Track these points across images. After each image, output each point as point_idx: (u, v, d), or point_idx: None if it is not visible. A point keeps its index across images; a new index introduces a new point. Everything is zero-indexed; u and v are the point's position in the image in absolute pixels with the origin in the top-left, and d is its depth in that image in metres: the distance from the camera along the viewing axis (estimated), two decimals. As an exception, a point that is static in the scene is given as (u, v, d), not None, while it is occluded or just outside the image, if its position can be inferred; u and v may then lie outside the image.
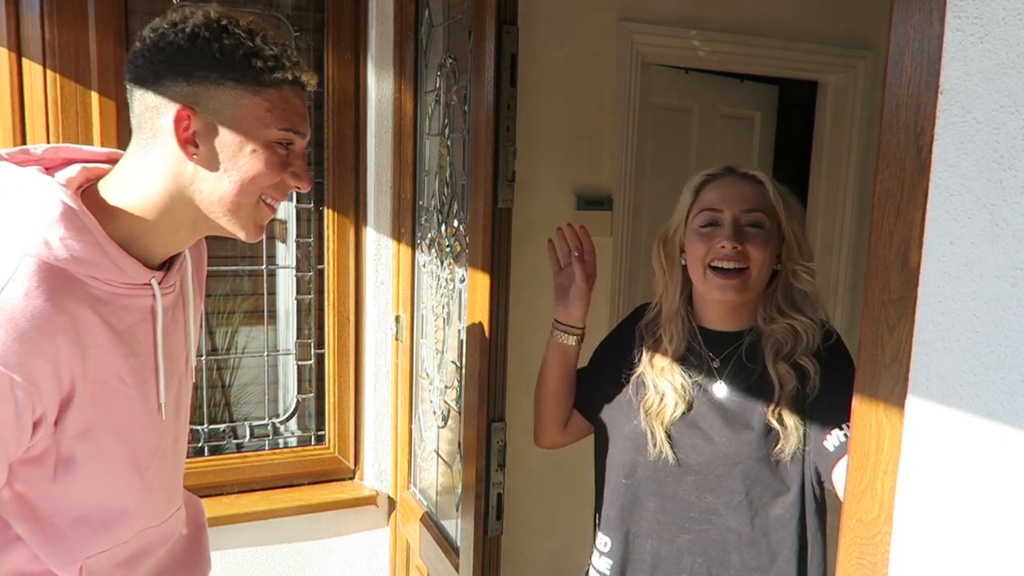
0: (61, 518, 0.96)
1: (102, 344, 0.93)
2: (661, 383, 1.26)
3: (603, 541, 1.34)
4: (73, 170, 0.97)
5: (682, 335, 1.28)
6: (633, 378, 1.33)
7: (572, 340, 1.38)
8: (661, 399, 1.26)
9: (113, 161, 1.02)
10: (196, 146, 0.94)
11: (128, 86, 0.97)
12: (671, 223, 1.33)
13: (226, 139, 0.95)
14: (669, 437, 1.25)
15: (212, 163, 0.95)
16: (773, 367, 1.21)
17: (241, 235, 1.01)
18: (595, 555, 1.36)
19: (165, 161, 0.95)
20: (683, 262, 1.30)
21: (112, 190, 0.97)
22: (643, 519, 1.29)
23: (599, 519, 1.38)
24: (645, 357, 1.32)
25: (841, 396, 1.10)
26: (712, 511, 1.22)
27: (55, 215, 0.88)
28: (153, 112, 0.95)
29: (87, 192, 0.97)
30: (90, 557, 0.99)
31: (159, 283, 1.00)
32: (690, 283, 1.31)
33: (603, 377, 1.40)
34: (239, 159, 0.95)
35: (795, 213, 1.27)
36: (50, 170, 0.97)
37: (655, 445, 1.25)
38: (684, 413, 1.25)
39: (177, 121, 0.93)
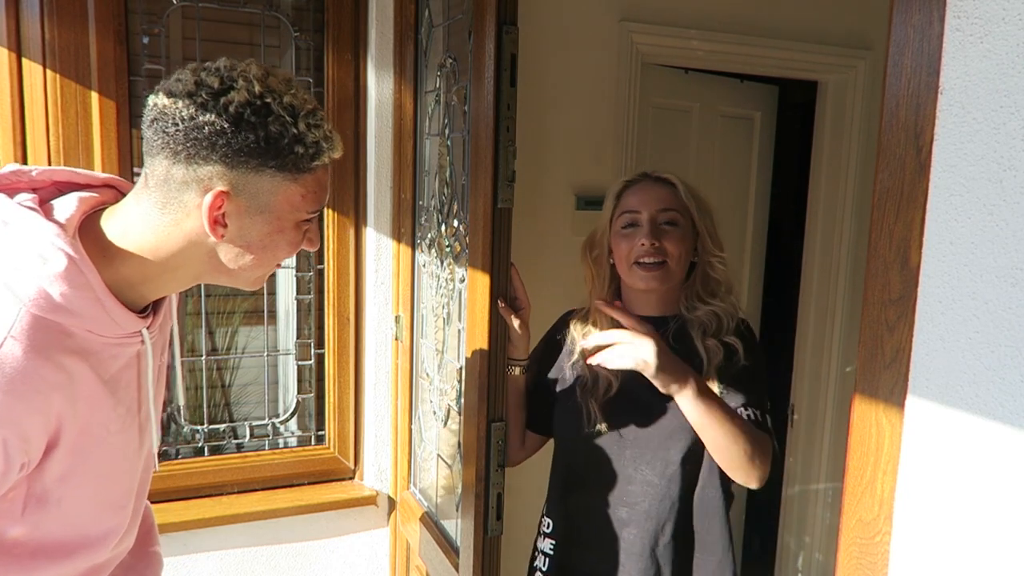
0: (22, 548, 0.93)
1: (91, 395, 0.91)
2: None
3: (546, 523, 1.45)
4: (71, 204, 0.92)
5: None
6: (568, 367, 1.46)
7: (516, 371, 1.54)
8: (596, 378, 1.37)
9: (110, 187, 0.99)
10: (225, 226, 0.91)
11: (153, 145, 0.90)
12: (596, 228, 1.48)
13: (256, 222, 0.92)
14: (605, 413, 1.35)
15: (238, 240, 0.93)
16: (702, 343, 1.34)
17: (246, 288, 1.01)
18: (539, 538, 1.46)
19: (186, 230, 0.91)
20: (611, 261, 1.44)
21: (117, 230, 0.93)
22: (583, 496, 1.40)
23: (545, 505, 1.49)
24: (578, 346, 1.43)
25: (748, 382, 1.26)
26: (649, 483, 1.31)
27: (59, 271, 0.85)
28: (181, 184, 0.89)
29: (86, 226, 0.93)
30: None
31: (148, 327, 0.97)
32: (618, 278, 1.45)
33: (542, 389, 1.53)
34: (266, 240, 0.94)
35: (706, 209, 1.42)
36: (38, 191, 0.93)
37: (591, 421, 1.36)
38: (618, 390, 1.36)
39: (213, 206, 0.89)
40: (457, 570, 1.82)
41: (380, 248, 2.27)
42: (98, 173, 1.02)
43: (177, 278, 0.96)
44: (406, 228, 2.19)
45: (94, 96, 1.94)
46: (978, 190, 0.65)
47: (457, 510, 1.89)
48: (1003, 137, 0.63)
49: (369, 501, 2.31)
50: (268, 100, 0.88)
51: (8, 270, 0.84)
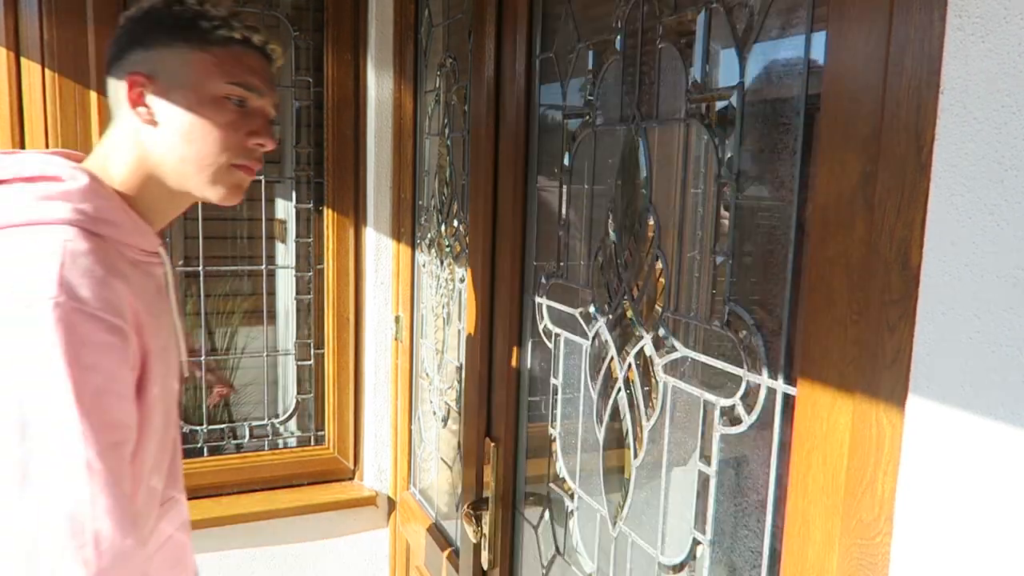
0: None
1: (145, 306, 0.95)
2: None
3: None
4: (55, 155, 1.00)
5: None
6: None
7: None
8: None
9: (66, 156, 1.05)
10: (147, 107, 0.98)
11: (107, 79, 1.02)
12: None
13: (176, 98, 0.98)
14: None
15: (166, 124, 0.99)
16: None
17: (214, 196, 1.03)
18: None
19: (126, 131, 1.00)
20: None
21: (98, 171, 1.00)
22: None
23: None
24: None
25: None
26: None
27: (84, 185, 0.93)
28: (116, 88, 0.99)
29: None
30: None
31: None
32: None
33: None
34: (189, 115, 0.98)
35: None
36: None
37: None
38: None
39: (130, 88, 0.97)
40: (457, 570, 1.82)
41: (380, 248, 2.27)
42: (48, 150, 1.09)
43: (154, 196, 1.02)
44: (406, 228, 2.19)
45: (92, 95, 1.94)
46: (979, 190, 0.65)
47: (457, 510, 1.89)
48: (1005, 137, 0.62)
49: (369, 502, 2.31)
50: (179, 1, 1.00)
51: (36, 203, 0.90)
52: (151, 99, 0.98)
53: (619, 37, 1.25)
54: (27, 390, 0.81)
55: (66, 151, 1.04)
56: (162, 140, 0.99)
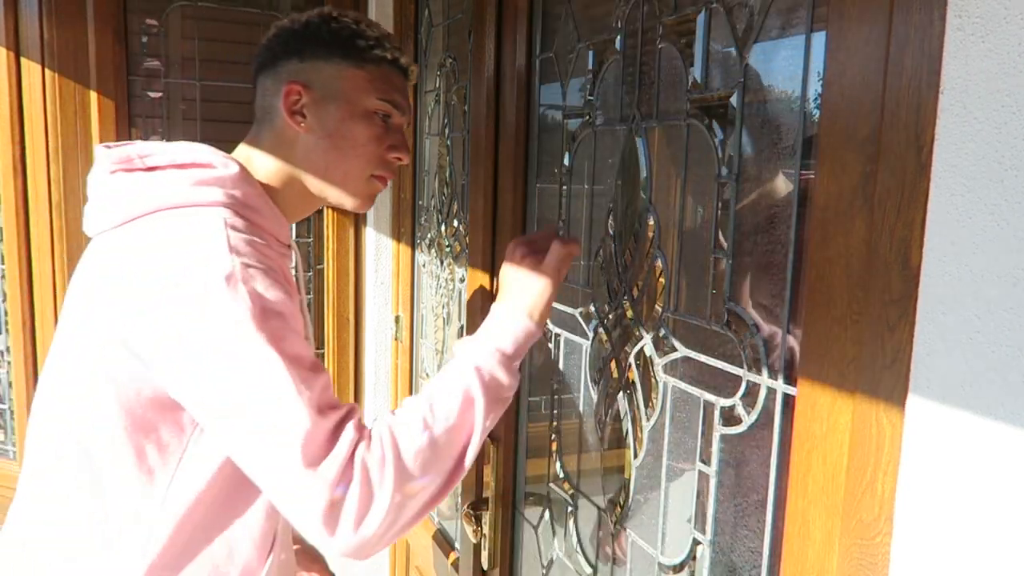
0: None
1: (290, 289, 0.99)
2: None
3: None
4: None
5: None
6: None
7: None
8: None
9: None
10: (304, 117, 1.05)
11: (254, 80, 1.10)
12: None
13: (330, 109, 1.05)
14: None
15: (318, 132, 1.05)
16: None
17: (349, 204, 1.11)
18: None
19: (280, 136, 1.06)
20: None
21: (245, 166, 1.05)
22: None
23: None
24: None
25: None
26: None
27: (235, 173, 1.00)
28: (270, 93, 1.06)
29: None
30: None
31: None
32: None
33: None
34: (342, 127, 1.06)
35: None
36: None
37: None
38: None
39: (287, 95, 1.04)
40: (457, 571, 1.82)
41: (380, 248, 2.27)
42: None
43: (295, 198, 1.09)
44: (406, 228, 2.19)
45: (93, 95, 1.94)
46: (979, 190, 0.65)
47: (457, 510, 1.89)
48: (1005, 137, 0.62)
49: (368, 501, 2.30)
50: (335, 14, 1.07)
51: (191, 188, 0.96)
52: (306, 107, 1.04)
53: (619, 37, 1.25)
54: (229, 348, 0.85)
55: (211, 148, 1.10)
56: (312, 146, 1.06)
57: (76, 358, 0.95)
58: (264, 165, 1.07)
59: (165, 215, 0.94)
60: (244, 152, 1.09)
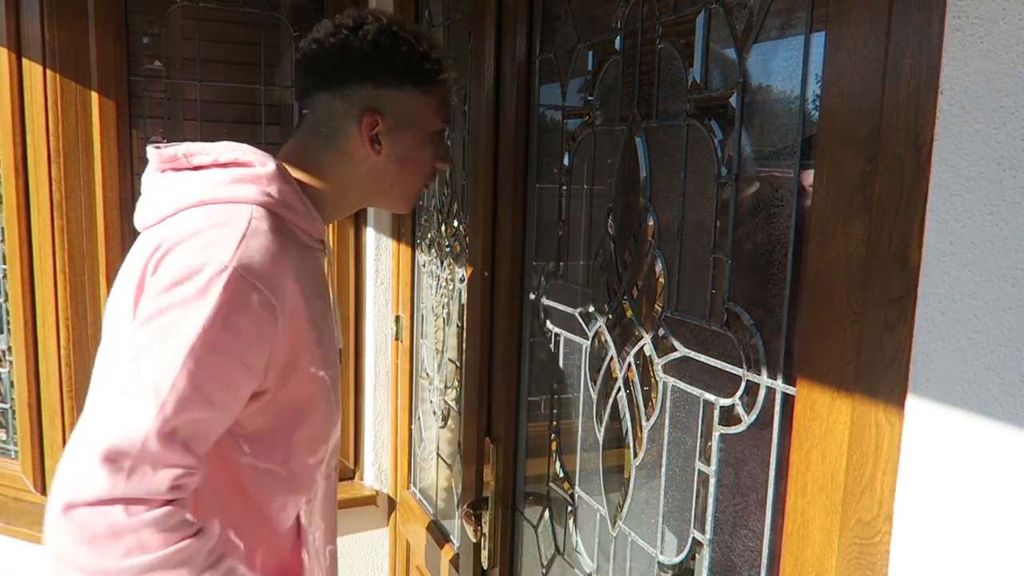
0: (278, 459, 1.05)
1: (314, 285, 1.04)
2: None
3: None
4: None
5: None
6: None
7: None
8: None
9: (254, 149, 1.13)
10: (380, 144, 1.09)
11: (307, 83, 1.10)
12: None
13: (404, 136, 1.10)
14: None
15: (391, 156, 1.10)
16: None
17: (398, 209, 1.20)
18: None
19: (347, 153, 1.09)
20: None
21: (291, 163, 1.09)
22: None
23: None
24: None
25: None
26: None
27: (271, 171, 1.02)
28: (340, 115, 1.08)
29: None
30: (305, 500, 1.11)
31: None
32: None
33: None
34: (413, 153, 1.11)
35: None
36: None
37: None
38: None
39: (368, 126, 1.07)
40: (457, 570, 1.82)
41: (380, 248, 2.27)
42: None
43: (343, 201, 1.14)
44: (406, 228, 2.19)
45: (94, 96, 1.94)
46: (978, 190, 0.65)
47: (457, 510, 1.89)
48: (1003, 137, 0.63)
49: (369, 501, 2.31)
50: (395, 28, 1.07)
51: (229, 185, 1.00)
52: (381, 135, 1.08)
53: (619, 37, 1.25)
54: (164, 325, 0.87)
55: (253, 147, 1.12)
56: (382, 168, 1.11)
57: (116, 345, 0.96)
58: (321, 171, 1.10)
59: (200, 209, 0.98)
60: (295, 155, 1.10)
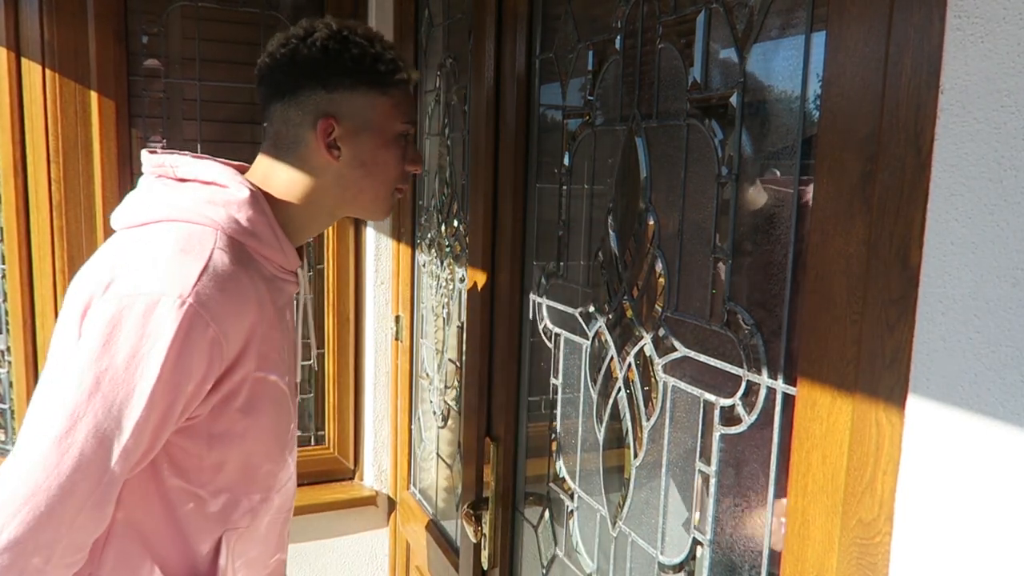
0: (208, 488, 1.04)
1: (270, 319, 1.02)
2: None
3: None
4: (218, 164, 1.08)
5: None
6: None
7: None
8: None
9: (239, 168, 1.13)
10: (339, 149, 1.07)
11: (264, 97, 1.10)
12: None
13: (363, 139, 1.08)
14: None
15: (352, 161, 1.08)
16: None
17: (372, 217, 1.18)
18: None
19: (309, 163, 1.08)
20: None
21: (259, 182, 1.09)
22: None
23: None
24: None
25: None
26: None
27: (244, 198, 1.02)
28: (295, 124, 1.07)
29: None
30: (229, 529, 1.07)
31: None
32: None
33: None
34: (375, 156, 1.09)
35: None
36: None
37: None
38: None
39: (323, 131, 1.05)
40: (457, 570, 1.82)
41: (380, 248, 2.27)
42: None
43: (315, 216, 1.12)
44: (406, 228, 2.19)
45: (93, 95, 1.94)
46: (979, 190, 0.65)
47: (457, 510, 1.89)
48: (1004, 137, 0.62)
49: (369, 501, 2.31)
50: (345, 33, 1.06)
51: (203, 204, 1.00)
52: (339, 140, 1.06)
53: (619, 37, 1.25)
54: (119, 357, 0.88)
55: (239, 163, 1.12)
56: (346, 174, 1.09)
57: (58, 351, 0.98)
58: (284, 187, 1.09)
59: (174, 224, 0.98)
60: (260, 173, 1.10)
